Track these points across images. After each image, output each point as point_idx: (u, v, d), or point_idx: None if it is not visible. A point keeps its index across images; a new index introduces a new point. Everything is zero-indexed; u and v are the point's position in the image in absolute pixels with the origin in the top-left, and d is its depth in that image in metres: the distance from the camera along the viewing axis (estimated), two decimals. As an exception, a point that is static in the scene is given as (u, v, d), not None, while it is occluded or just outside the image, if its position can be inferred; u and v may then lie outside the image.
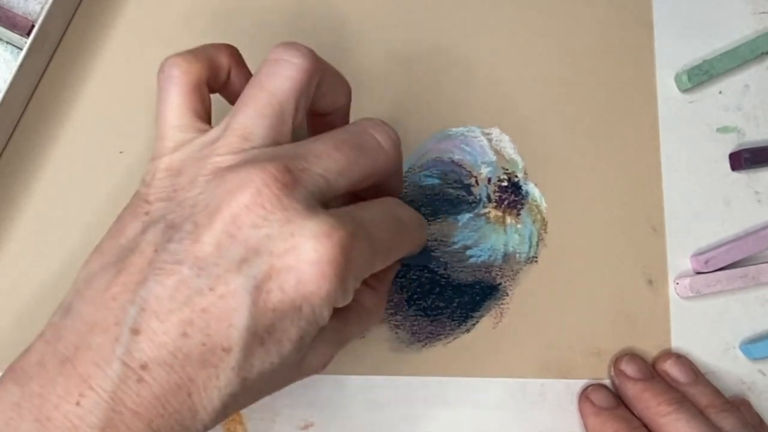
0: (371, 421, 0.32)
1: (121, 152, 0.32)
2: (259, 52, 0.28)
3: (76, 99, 0.33)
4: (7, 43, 0.31)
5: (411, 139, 0.34)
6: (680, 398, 0.32)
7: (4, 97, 0.29)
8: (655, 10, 0.38)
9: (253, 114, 0.24)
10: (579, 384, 0.34)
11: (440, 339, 0.34)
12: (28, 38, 0.29)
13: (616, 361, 0.34)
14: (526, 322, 0.34)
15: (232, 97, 0.27)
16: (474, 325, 0.34)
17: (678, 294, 0.36)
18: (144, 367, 0.21)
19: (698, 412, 0.31)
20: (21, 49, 0.30)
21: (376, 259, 0.25)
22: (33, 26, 0.30)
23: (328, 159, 0.24)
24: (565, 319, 0.35)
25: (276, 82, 0.24)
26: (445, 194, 0.34)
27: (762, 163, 0.37)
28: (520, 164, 0.33)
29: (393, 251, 0.26)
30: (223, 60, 0.27)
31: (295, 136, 0.25)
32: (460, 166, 0.34)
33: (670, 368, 0.33)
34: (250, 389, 0.23)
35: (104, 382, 0.21)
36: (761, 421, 0.34)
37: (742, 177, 0.37)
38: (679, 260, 0.36)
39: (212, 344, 0.22)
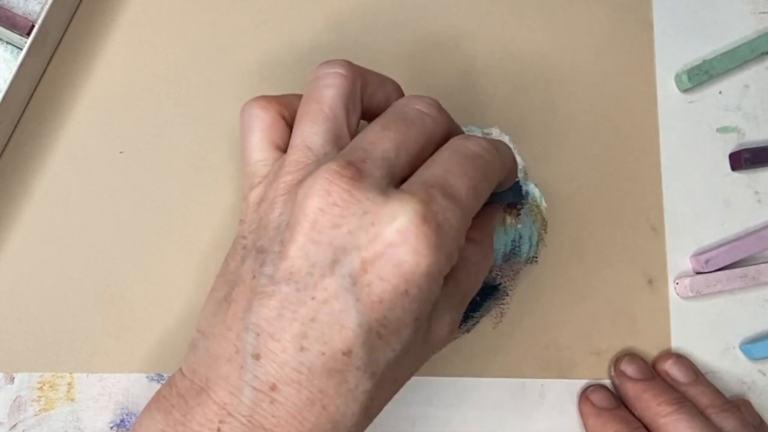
0: (373, 421, 0.32)
1: (121, 152, 0.33)
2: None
3: (76, 99, 0.33)
4: (7, 43, 0.31)
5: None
6: (681, 398, 0.32)
7: (4, 97, 0.29)
8: (655, 10, 0.38)
9: (309, 124, 0.25)
10: (579, 384, 0.34)
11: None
12: (28, 38, 0.29)
13: (617, 361, 0.34)
14: (526, 322, 0.34)
15: None
16: (474, 325, 0.34)
17: (678, 294, 0.36)
18: (273, 388, 0.22)
19: (699, 413, 0.31)
20: (21, 49, 0.30)
21: (466, 208, 0.24)
22: (33, 26, 0.30)
23: (382, 140, 0.24)
24: (565, 319, 0.35)
25: (322, 92, 0.25)
26: None
27: (762, 163, 0.37)
28: (520, 164, 0.33)
29: (479, 189, 0.25)
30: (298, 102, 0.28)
31: None
32: None
33: (671, 368, 0.33)
34: (384, 382, 0.23)
35: (240, 407, 0.22)
36: (762, 421, 0.34)
37: (742, 177, 0.38)
38: (679, 260, 0.36)
39: (331, 351, 0.22)
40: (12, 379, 0.31)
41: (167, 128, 0.33)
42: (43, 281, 0.31)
